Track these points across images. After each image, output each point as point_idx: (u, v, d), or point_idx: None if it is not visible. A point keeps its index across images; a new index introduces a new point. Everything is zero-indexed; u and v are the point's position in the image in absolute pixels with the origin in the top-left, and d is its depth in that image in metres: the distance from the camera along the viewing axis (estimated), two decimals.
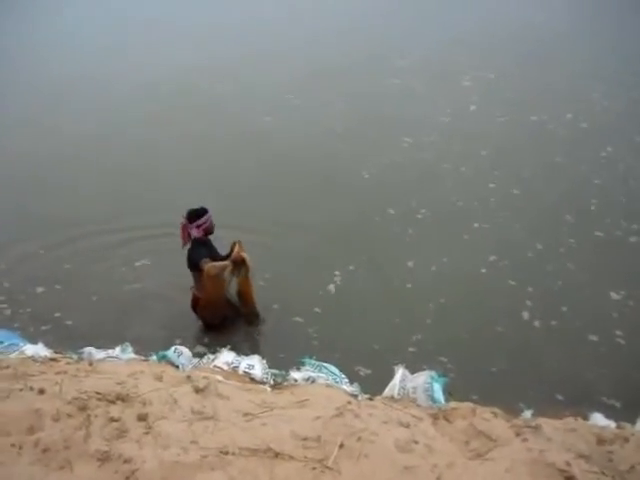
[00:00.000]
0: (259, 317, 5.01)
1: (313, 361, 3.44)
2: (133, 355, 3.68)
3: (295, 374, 3.32)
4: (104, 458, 2.12)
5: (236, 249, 4.70)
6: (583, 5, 14.22)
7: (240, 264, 4.74)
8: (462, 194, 6.75)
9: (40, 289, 5.48)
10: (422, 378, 3.12)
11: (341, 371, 3.40)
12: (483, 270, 5.53)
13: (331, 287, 5.38)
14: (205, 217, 4.63)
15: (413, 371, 3.24)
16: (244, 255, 4.72)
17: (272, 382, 3.32)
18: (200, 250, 4.63)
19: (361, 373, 4.25)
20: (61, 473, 2.07)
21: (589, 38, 11.84)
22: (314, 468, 2.14)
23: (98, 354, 3.62)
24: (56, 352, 3.68)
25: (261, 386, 3.20)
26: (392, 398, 3.03)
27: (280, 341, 4.74)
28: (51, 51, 12.68)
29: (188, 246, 4.70)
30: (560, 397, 4.08)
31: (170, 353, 3.62)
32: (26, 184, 7.36)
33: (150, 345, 4.09)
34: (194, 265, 4.63)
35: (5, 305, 5.27)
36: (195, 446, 2.21)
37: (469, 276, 5.46)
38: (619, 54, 10.95)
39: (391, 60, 11.25)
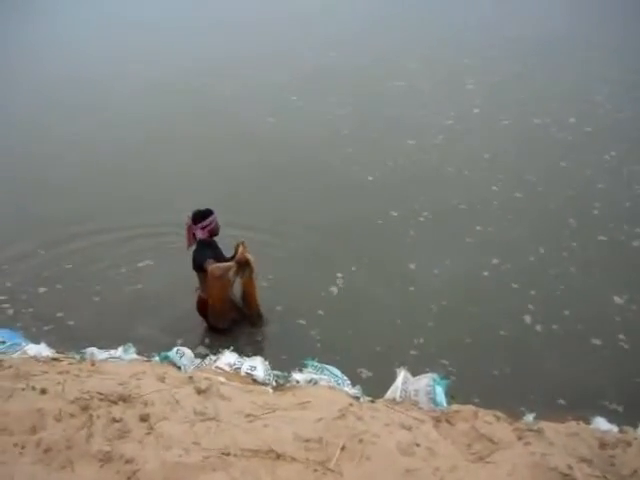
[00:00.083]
0: (262, 318, 5.01)
1: (315, 363, 3.43)
2: (135, 356, 3.68)
3: (297, 376, 3.31)
4: (106, 458, 2.12)
5: (240, 250, 4.70)
6: (587, 8, 14.23)
7: (244, 265, 4.73)
8: (465, 197, 6.74)
9: (42, 289, 5.48)
10: (424, 381, 3.11)
11: (343, 373, 3.40)
12: (485, 273, 5.52)
13: (333, 289, 5.38)
14: (210, 218, 4.63)
15: (415, 374, 3.23)
16: (248, 256, 4.71)
17: (274, 383, 3.32)
18: (205, 251, 4.62)
19: (363, 375, 4.25)
20: (63, 473, 2.07)
21: (593, 41, 11.85)
22: (316, 470, 2.14)
23: (100, 354, 3.61)
24: (58, 352, 3.67)
25: (263, 387, 3.19)
26: (394, 400, 3.02)
27: (283, 343, 4.74)
28: (51, 52, 12.74)
29: (193, 247, 4.71)
30: (562, 401, 4.07)
31: (172, 354, 3.61)
32: (26, 184, 7.37)
33: (152, 346, 4.08)
34: (199, 266, 4.63)
35: (7, 305, 5.28)
36: (197, 447, 2.21)
37: (471, 279, 5.45)
38: (623, 57, 10.96)
39: (395, 62, 11.27)
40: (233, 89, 10.15)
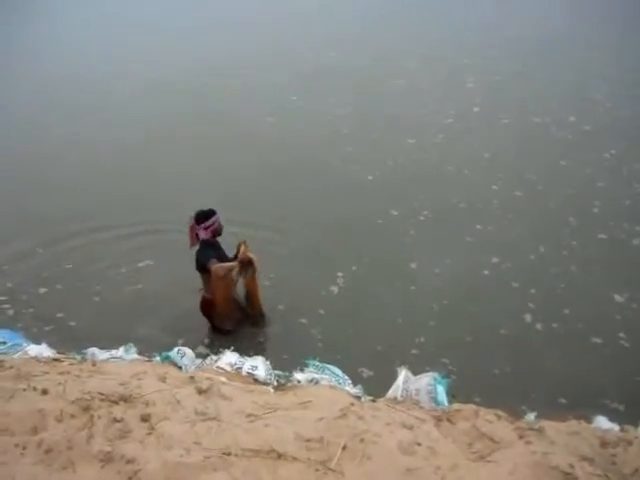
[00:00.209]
0: (265, 318, 5.01)
1: (316, 362, 3.43)
2: (136, 356, 3.68)
3: (298, 375, 3.31)
4: (107, 459, 2.12)
5: (242, 249, 4.70)
6: (587, 8, 14.21)
7: (247, 265, 4.74)
8: (465, 196, 6.74)
9: (42, 289, 5.49)
10: (425, 380, 3.11)
11: (344, 372, 3.40)
12: (486, 272, 5.52)
13: (334, 288, 5.38)
14: (213, 219, 4.63)
15: (416, 373, 3.23)
16: (251, 255, 4.72)
17: (275, 383, 3.32)
18: (208, 252, 4.62)
19: (364, 375, 4.25)
20: (64, 473, 2.07)
21: (592, 41, 11.83)
22: (317, 469, 2.14)
23: (101, 355, 3.61)
24: (59, 352, 3.67)
25: (264, 387, 3.19)
26: (395, 400, 3.02)
27: (284, 342, 4.74)
28: (51, 52, 12.75)
29: (196, 247, 4.71)
30: (563, 400, 4.07)
31: (173, 354, 3.61)
32: (26, 184, 7.38)
33: (153, 346, 4.08)
34: (202, 267, 4.63)
35: (8, 305, 5.28)
36: (198, 447, 2.21)
37: (472, 278, 5.45)
38: (622, 56, 10.95)
39: (395, 62, 11.26)
40: (233, 89, 10.15)
